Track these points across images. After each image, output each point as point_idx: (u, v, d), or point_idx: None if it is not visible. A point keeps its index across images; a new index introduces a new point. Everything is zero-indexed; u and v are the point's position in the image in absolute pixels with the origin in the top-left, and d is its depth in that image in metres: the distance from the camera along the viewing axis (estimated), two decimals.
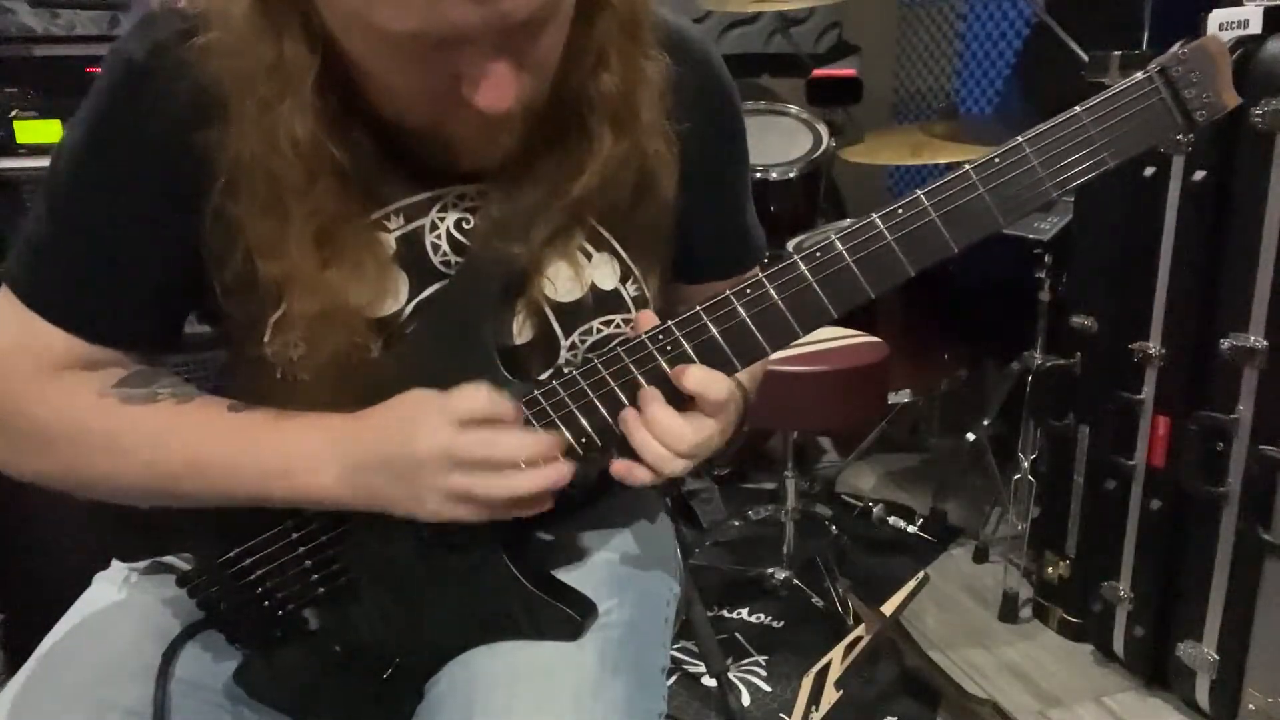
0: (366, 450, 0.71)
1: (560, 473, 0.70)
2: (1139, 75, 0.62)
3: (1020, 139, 0.63)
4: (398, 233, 0.75)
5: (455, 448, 0.68)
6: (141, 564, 0.86)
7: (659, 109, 0.76)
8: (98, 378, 0.75)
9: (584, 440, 0.72)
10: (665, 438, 0.70)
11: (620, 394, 0.71)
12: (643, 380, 0.70)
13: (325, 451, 0.71)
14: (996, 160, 0.63)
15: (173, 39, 0.68)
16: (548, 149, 0.74)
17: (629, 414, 0.71)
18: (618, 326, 0.80)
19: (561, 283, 0.78)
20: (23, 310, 0.73)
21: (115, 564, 0.87)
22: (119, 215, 0.72)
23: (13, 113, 1.61)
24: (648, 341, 0.70)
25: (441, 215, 0.76)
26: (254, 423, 0.74)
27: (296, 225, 0.69)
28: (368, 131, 0.71)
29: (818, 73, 2.87)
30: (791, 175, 2.40)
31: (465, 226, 0.76)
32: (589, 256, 0.79)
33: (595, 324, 0.80)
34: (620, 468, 0.72)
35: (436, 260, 0.76)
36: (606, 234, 0.80)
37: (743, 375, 0.74)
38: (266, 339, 0.73)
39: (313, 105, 0.66)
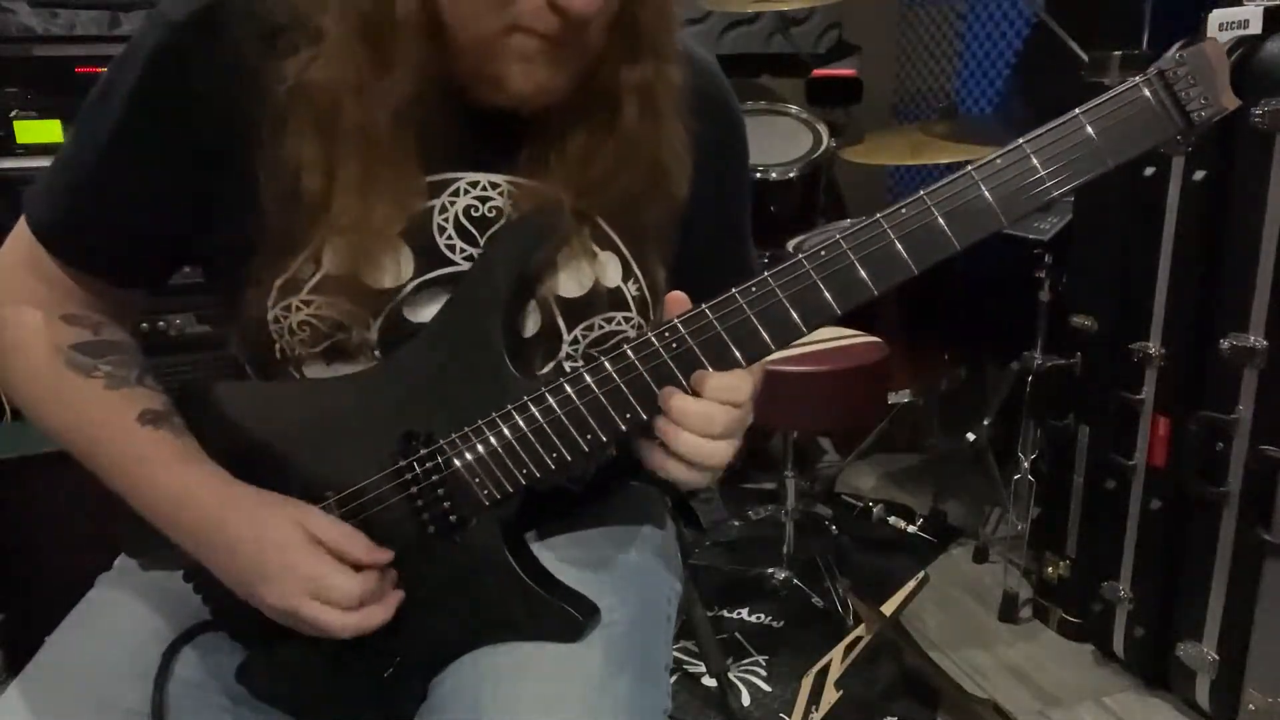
0: (222, 555, 0.74)
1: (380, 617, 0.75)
2: (1136, 79, 0.63)
3: (1021, 141, 0.64)
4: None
5: (301, 611, 0.72)
6: (143, 565, 0.86)
7: (676, 108, 0.77)
8: (67, 332, 0.78)
9: (589, 438, 0.72)
10: (694, 424, 0.70)
11: (627, 393, 0.71)
12: (649, 379, 0.70)
13: (188, 519, 0.75)
14: (998, 161, 0.64)
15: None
16: (574, 130, 0.76)
17: (660, 420, 0.71)
18: (618, 324, 0.81)
19: (569, 278, 0.79)
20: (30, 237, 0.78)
21: (118, 565, 0.88)
22: (136, 164, 0.75)
23: (13, 113, 1.61)
24: (654, 340, 0.70)
25: (453, 199, 0.77)
26: (147, 450, 0.76)
27: (347, 156, 0.71)
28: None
29: (818, 73, 2.87)
30: (791, 175, 2.40)
31: (474, 214, 0.77)
32: (594, 255, 0.79)
33: (598, 320, 0.80)
34: (656, 462, 0.72)
35: (441, 242, 0.76)
36: (611, 233, 0.80)
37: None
38: (271, 300, 0.74)
39: (417, 65, 0.68)
